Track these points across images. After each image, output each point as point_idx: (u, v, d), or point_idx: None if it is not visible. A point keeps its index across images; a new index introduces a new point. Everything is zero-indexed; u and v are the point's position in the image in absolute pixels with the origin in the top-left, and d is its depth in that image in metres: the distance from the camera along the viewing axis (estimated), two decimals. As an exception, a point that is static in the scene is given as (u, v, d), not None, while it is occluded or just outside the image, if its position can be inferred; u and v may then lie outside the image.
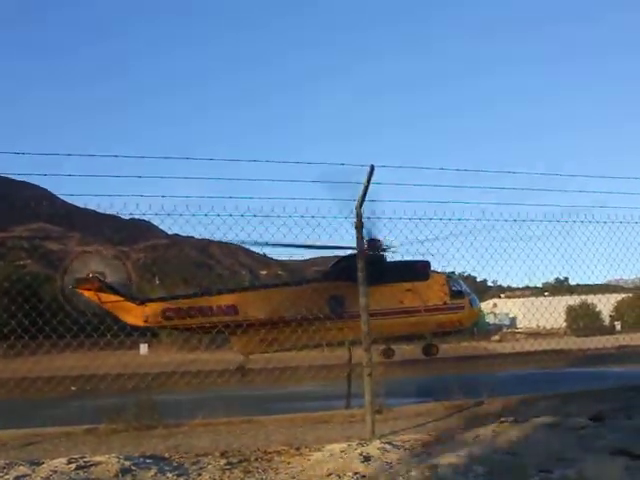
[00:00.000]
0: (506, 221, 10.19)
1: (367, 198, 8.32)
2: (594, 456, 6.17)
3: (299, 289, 15.20)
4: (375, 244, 14.81)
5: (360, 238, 8.35)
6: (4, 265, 58.29)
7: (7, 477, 6.06)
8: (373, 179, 8.25)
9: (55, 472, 6.17)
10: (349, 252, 12.02)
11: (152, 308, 14.85)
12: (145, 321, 14.82)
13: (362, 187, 8.27)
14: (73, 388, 18.45)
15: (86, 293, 14.42)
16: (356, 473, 6.08)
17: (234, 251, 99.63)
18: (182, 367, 19.77)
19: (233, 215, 9.09)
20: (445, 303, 16.14)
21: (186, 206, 8.88)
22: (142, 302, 15.07)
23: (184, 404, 11.96)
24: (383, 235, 10.13)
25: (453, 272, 17.23)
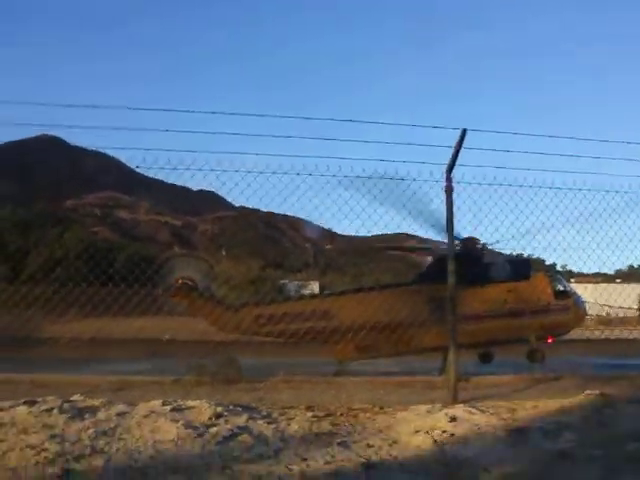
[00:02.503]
0: (589, 190, 9.82)
1: (458, 162, 8.25)
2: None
3: (396, 292, 14.65)
4: (472, 243, 14.50)
5: (449, 203, 8.28)
6: (80, 230, 60.11)
7: (109, 412, 6.37)
8: (465, 144, 8.18)
9: (152, 412, 6.44)
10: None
11: (245, 315, 14.57)
12: (237, 328, 14.57)
13: (452, 150, 8.20)
14: (166, 336, 18.91)
15: (179, 300, 14.27)
16: (444, 431, 6.13)
17: (298, 224, 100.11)
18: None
19: (313, 175, 8.97)
20: (549, 304, 15.11)
21: (253, 178, 8.90)
22: (234, 309, 14.84)
23: (262, 366, 12.09)
24: (478, 206, 9.62)
25: (554, 266, 16.50)
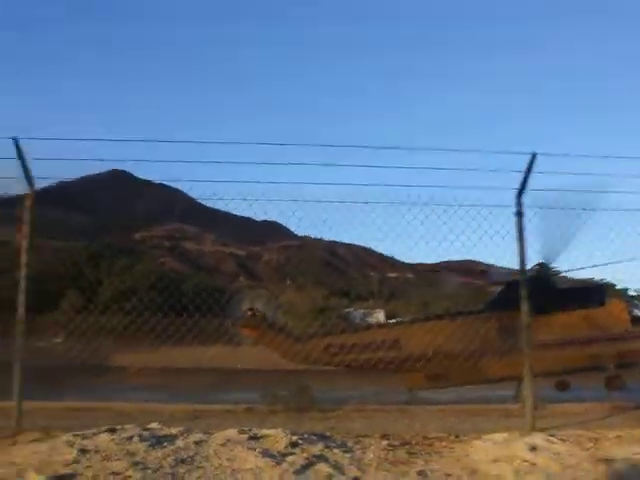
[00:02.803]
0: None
1: (529, 187, 8.16)
2: None
3: (467, 320, 14.29)
4: (545, 269, 14.23)
5: (520, 228, 8.19)
6: (149, 261, 61.76)
7: (187, 441, 6.49)
8: (535, 168, 8.09)
9: (229, 440, 6.53)
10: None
11: (314, 345, 14.63)
12: (307, 359, 14.61)
13: (522, 175, 8.12)
14: (239, 365, 19.16)
15: (248, 332, 14.19)
16: (525, 461, 6.00)
17: (360, 252, 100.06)
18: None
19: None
20: (627, 331, 14.54)
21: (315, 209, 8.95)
22: (304, 340, 14.88)
23: (334, 395, 12.09)
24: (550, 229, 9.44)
25: (626, 290, 15.99)
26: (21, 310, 8.08)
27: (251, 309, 14.06)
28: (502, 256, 9.82)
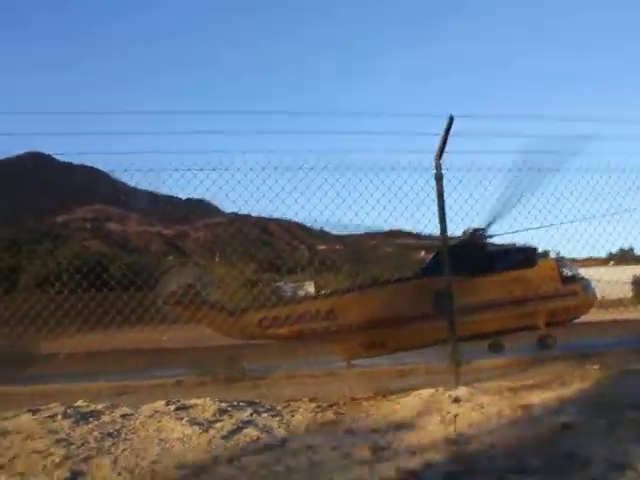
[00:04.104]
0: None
1: (447, 149, 8.30)
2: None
3: (399, 287, 14.51)
4: (474, 233, 14.43)
5: (440, 191, 8.33)
6: (72, 244, 60.13)
7: (114, 415, 6.41)
8: (452, 130, 8.23)
9: (157, 412, 6.49)
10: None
11: (248, 319, 14.51)
12: (241, 332, 14.46)
13: (440, 138, 8.25)
14: (165, 339, 18.87)
15: (181, 309, 13.80)
16: (448, 412, 6.19)
17: (290, 227, 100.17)
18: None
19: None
20: (557, 290, 14.87)
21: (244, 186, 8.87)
22: (237, 313, 14.71)
23: (267, 367, 12.07)
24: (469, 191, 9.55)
25: (547, 253, 16.29)
26: None
27: (182, 286, 13.86)
28: (428, 222, 10.04)
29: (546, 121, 10.07)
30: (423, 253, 19.44)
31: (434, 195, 8.47)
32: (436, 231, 10.12)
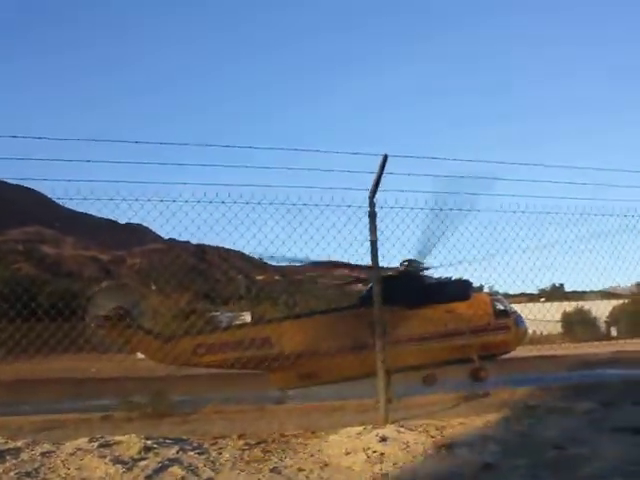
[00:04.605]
0: (523, 212, 10.14)
1: (380, 188, 8.48)
2: (605, 435, 6.34)
3: (336, 317, 14.40)
4: (412, 265, 14.55)
5: (373, 228, 8.49)
6: (1, 268, 58.14)
7: (33, 452, 6.20)
8: (386, 169, 8.42)
9: (79, 449, 6.31)
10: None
11: (180, 345, 14.15)
12: (176, 359, 14.09)
13: (375, 175, 8.43)
14: (93, 370, 18.33)
15: (109, 332, 13.31)
16: (374, 451, 6.23)
17: (229, 256, 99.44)
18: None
19: (236, 203, 9.01)
20: (489, 324, 14.92)
21: (182, 210, 8.92)
22: (172, 340, 14.34)
23: (196, 400, 11.87)
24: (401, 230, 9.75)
25: (481, 288, 16.46)
26: None
27: (115, 308, 13.41)
28: (364, 254, 10.19)
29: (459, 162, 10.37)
30: (360, 285, 19.56)
31: (367, 231, 8.65)
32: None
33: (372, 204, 8.51)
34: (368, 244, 8.61)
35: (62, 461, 5.95)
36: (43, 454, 6.17)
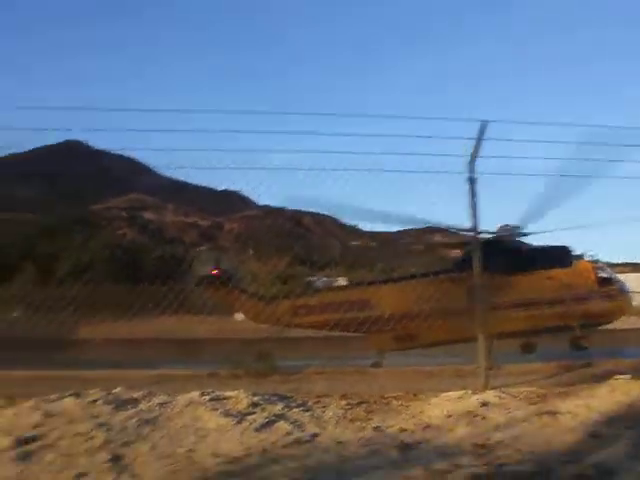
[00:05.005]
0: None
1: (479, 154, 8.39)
2: None
3: (434, 280, 14.23)
4: (509, 231, 14.30)
5: (473, 194, 8.42)
6: (107, 233, 61.04)
7: (151, 403, 6.64)
8: (485, 135, 8.32)
9: (192, 402, 6.70)
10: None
11: (280, 306, 14.15)
12: (276, 320, 14.43)
13: (474, 142, 8.33)
14: (199, 333, 19.09)
15: (209, 291, 14.09)
16: (476, 415, 6.29)
17: (324, 221, 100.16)
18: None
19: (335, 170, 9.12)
20: (591, 292, 14.43)
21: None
22: (269, 300, 14.55)
23: (297, 362, 12.19)
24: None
25: (597, 259, 15.95)
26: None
27: (216, 268, 13.93)
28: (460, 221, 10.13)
29: (581, 128, 9.99)
30: (458, 251, 19.33)
31: (467, 197, 8.59)
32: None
33: (472, 170, 8.43)
34: (467, 210, 8.57)
35: (177, 412, 6.35)
36: (160, 404, 6.60)
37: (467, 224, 8.92)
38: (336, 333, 14.92)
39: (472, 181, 8.43)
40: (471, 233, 8.82)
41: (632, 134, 9.88)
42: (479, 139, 8.40)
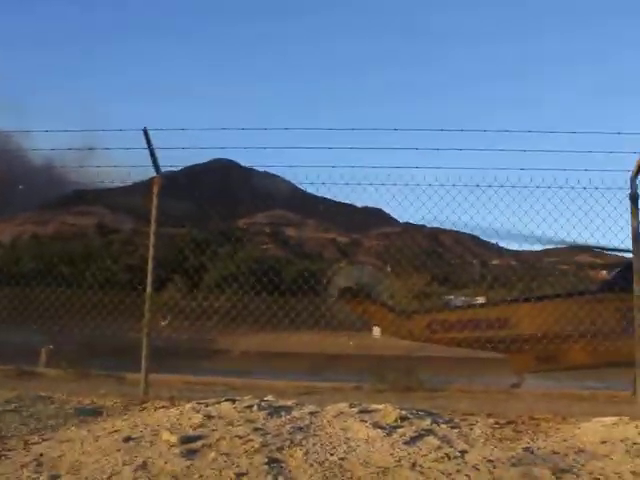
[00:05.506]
0: None
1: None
2: None
3: (580, 300, 13.73)
4: None
5: (635, 211, 8.06)
6: (251, 248, 63.52)
7: (302, 411, 6.92)
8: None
9: (341, 412, 6.91)
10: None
11: (417, 321, 14.06)
12: (415, 335, 14.45)
13: (638, 156, 8.00)
14: (351, 343, 19.56)
15: (349, 304, 14.19)
16: (634, 443, 6.01)
17: (464, 240, 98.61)
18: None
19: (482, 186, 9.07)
20: None
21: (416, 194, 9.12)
22: (407, 315, 14.55)
23: (439, 379, 12.19)
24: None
25: None
26: (149, 289, 8.76)
27: (355, 284, 14.15)
28: (613, 239, 9.69)
29: None
30: (604, 272, 18.42)
31: (628, 215, 8.23)
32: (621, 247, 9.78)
33: (634, 186, 8.07)
34: (627, 229, 8.21)
35: (327, 421, 6.58)
36: (310, 413, 6.86)
37: (623, 245, 8.56)
38: (475, 352, 14.66)
39: (634, 198, 8.06)
40: (629, 254, 8.42)
41: None
42: None
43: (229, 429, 6.21)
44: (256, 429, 6.20)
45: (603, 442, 6.14)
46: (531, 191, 8.94)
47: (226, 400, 7.40)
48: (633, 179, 8.06)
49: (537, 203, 9.11)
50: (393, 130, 10.00)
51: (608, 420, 7.00)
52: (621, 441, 6.10)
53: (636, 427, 6.52)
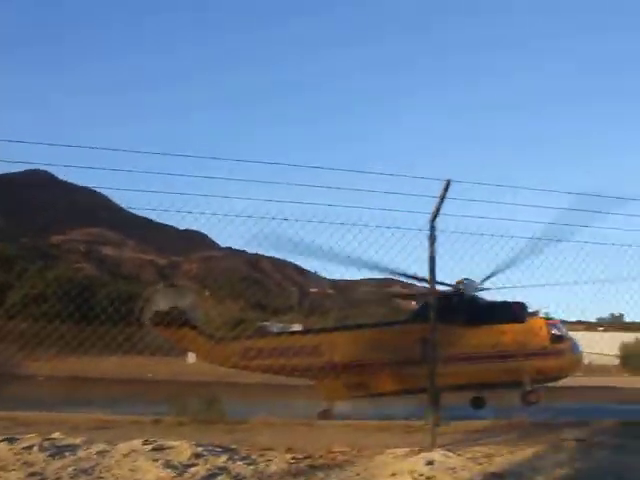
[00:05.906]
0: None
1: (441, 212, 8.50)
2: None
3: (387, 330, 14.47)
4: (465, 285, 14.43)
5: (432, 252, 8.49)
6: (62, 268, 59.91)
7: (90, 451, 6.42)
8: (448, 194, 8.43)
9: (133, 451, 6.51)
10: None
11: (229, 347, 14.18)
12: (226, 361, 14.23)
13: (437, 200, 8.44)
14: (149, 375, 18.75)
15: (162, 330, 13.84)
16: (421, 475, 6.21)
17: (284, 267, 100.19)
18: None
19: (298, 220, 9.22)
20: (544, 348, 14.59)
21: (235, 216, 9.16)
22: (219, 341, 14.50)
23: (246, 408, 12.00)
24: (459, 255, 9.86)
25: (551, 317, 16.24)
26: None
27: (171, 307, 13.61)
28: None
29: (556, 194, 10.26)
30: (414, 303, 19.47)
31: (426, 254, 8.67)
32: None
33: (432, 227, 8.51)
34: (426, 262, 8.67)
35: (116, 461, 6.16)
36: (98, 453, 6.40)
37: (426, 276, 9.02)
38: (286, 379, 14.79)
39: (432, 238, 8.50)
40: (428, 285, 8.87)
41: (597, 200, 10.18)
42: (442, 197, 8.49)
43: (1, 475, 5.59)
44: (32, 474, 5.64)
45: (393, 474, 6.29)
46: (348, 228, 9.27)
47: (3, 440, 6.70)
48: (432, 221, 8.51)
49: (354, 236, 9.41)
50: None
51: (400, 452, 7.22)
52: (409, 473, 6.28)
53: (423, 458, 6.77)
